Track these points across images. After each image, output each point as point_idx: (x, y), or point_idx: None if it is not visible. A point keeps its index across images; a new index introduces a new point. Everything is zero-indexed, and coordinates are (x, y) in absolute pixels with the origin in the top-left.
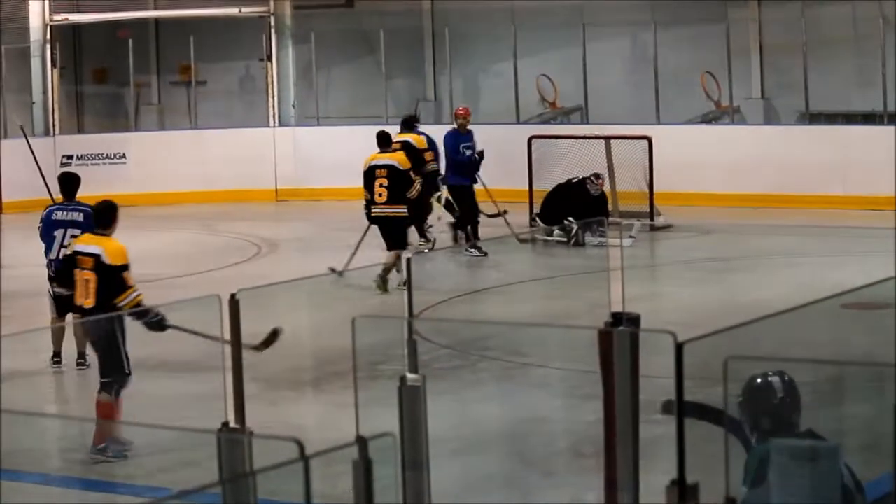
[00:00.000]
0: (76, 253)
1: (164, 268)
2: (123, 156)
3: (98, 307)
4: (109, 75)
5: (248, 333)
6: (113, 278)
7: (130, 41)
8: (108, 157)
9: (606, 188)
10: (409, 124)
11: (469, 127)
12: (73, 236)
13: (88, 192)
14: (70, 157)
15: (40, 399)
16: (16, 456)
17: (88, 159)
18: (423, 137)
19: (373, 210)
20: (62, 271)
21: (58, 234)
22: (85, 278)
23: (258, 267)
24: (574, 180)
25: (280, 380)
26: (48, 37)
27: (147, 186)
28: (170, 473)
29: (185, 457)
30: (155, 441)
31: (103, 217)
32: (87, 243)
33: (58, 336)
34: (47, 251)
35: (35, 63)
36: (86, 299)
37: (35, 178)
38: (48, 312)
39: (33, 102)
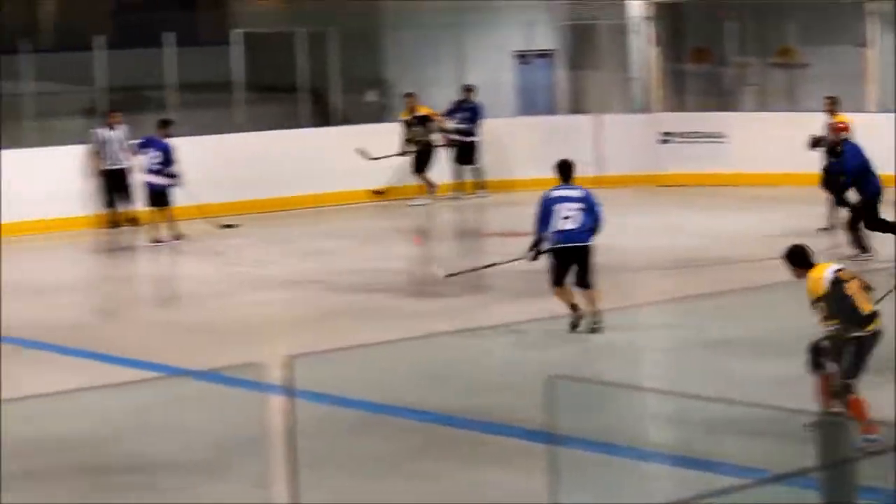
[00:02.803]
0: None
1: (757, 249)
2: (723, 135)
3: None
4: (710, 55)
5: None
6: None
7: (730, 22)
8: (706, 136)
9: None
10: None
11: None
12: (581, 209)
13: (686, 170)
14: (668, 134)
15: (633, 371)
16: (612, 429)
17: (687, 137)
18: None
19: None
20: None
21: (557, 208)
22: None
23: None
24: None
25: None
26: (649, 14)
27: (745, 166)
28: (762, 455)
29: (774, 439)
30: (745, 421)
31: None
32: None
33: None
34: (544, 227)
35: (634, 40)
36: None
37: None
38: (552, 283)
39: (632, 79)
